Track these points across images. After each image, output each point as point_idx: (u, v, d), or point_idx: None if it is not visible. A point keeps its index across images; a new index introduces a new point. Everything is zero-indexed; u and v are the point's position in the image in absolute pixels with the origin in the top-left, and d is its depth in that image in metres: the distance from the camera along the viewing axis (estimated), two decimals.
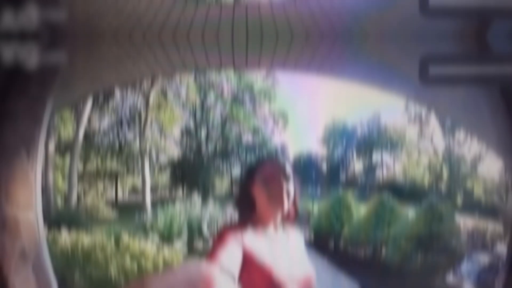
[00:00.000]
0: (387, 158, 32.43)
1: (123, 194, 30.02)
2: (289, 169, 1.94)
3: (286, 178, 1.87)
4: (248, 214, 1.87)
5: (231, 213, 12.47)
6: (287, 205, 1.85)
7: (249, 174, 1.94)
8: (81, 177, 21.05)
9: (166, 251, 7.31)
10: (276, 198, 1.81)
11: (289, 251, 1.83)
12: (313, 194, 26.81)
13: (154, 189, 28.03)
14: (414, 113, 28.20)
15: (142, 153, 21.42)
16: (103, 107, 24.70)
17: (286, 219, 1.96)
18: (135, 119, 23.46)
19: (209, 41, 5.52)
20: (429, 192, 21.02)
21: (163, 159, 26.02)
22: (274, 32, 5.40)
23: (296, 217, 2.02)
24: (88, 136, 22.66)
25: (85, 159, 21.80)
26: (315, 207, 18.12)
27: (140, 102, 22.53)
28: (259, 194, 1.84)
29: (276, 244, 1.79)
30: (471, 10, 3.70)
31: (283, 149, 31.54)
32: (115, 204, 22.41)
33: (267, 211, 1.84)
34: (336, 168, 32.52)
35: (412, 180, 29.65)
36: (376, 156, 32.52)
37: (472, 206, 23.72)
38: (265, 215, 1.85)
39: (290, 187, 1.88)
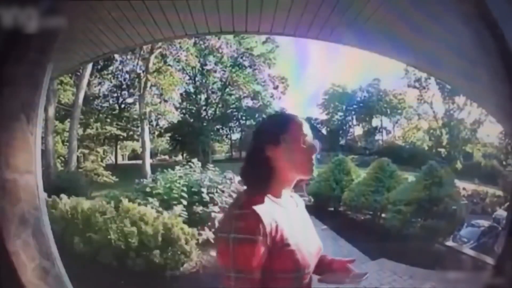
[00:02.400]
0: (386, 122, 32.47)
1: (123, 158, 30.14)
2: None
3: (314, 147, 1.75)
4: (267, 180, 1.68)
5: (231, 178, 12.45)
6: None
7: (271, 133, 1.70)
8: (80, 142, 21.04)
9: (166, 216, 7.33)
10: (308, 157, 1.72)
11: (303, 222, 1.78)
12: None
13: (153, 153, 28.16)
14: (414, 78, 28.11)
15: (141, 117, 21.35)
16: (102, 72, 24.61)
17: (297, 184, 1.83)
18: (135, 84, 23.36)
19: (209, 5, 5.42)
20: (428, 157, 21.02)
21: (163, 123, 25.97)
22: None
23: (307, 183, 1.91)
24: (88, 101, 22.61)
25: (85, 124, 21.72)
26: (315, 171, 18.17)
27: (139, 67, 22.38)
28: (288, 156, 1.67)
29: (291, 215, 1.69)
30: None
31: None
32: (115, 168, 22.44)
33: (290, 178, 1.74)
34: (336, 132, 32.58)
35: (412, 144, 29.74)
36: (376, 121, 32.55)
37: (471, 170, 23.83)
38: (285, 184, 1.74)
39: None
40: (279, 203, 1.66)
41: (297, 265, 1.54)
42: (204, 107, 28.13)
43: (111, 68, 24.66)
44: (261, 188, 1.65)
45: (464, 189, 18.72)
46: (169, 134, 28.55)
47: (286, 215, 1.63)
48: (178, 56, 23.03)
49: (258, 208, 1.49)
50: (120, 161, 28.09)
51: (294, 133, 1.69)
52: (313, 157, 1.73)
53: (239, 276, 1.46)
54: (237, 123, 31.34)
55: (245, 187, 1.74)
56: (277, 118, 2.00)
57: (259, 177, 1.67)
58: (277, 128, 1.71)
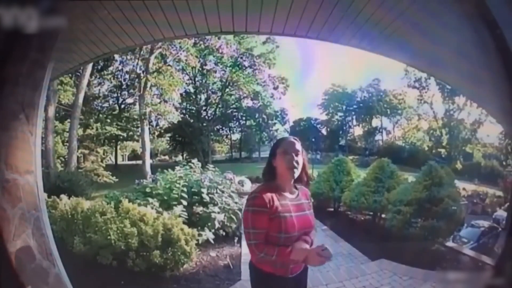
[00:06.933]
0: (386, 123, 32.50)
1: (123, 158, 30.16)
2: (299, 146, 2.94)
3: (296, 153, 2.91)
4: (273, 179, 2.94)
5: (231, 178, 12.41)
6: (297, 171, 2.92)
7: (273, 150, 2.99)
8: (80, 142, 21.04)
9: (166, 216, 7.32)
10: (290, 165, 2.86)
11: (298, 206, 2.92)
12: (313, 159, 26.87)
13: (153, 154, 28.17)
14: (414, 78, 28.12)
15: (141, 117, 21.35)
16: (102, 72, 24.61)
17: (299, 183, 3.07)
18: (135, 84, 23.37)
19: (209, 5, 5.42)
20: (428, 157, 21.01)
21: (163, 123, 25.94)
22: None
23: (308, 182, 3.12)
24: (88, 101, 22.63)
25: (85, 124, 21.72)
26: (315, 172, 18.14)
27: (139, 67, 22.36)
28: (279, 163, 2.89)
29: (288, 200, 2.89)
30: None
31: (283, 114, 31.55)
32: (115, 168, 22.46)
33: (284, 175, 2.91)
34: (336, 133, 32.61)
35: (412, 144, 29.76)
36: (376, 121, 32.57)
37: (471, 170, 23.85)
38: (283, 179, 2.93)
39: (300, 158, 2.93)
40: (281, 192, 2.88)
41: (280, 229, 2.72)
42: (204, 107, 28.18)
43: (111, 68, 24.69)
44: (270, 181, 2.94)
45: (464, 189, 18.76)
46: (169, 135, 28.65)
47: (284, 199, 2.86)
48: (178, 56, 22.98)
49: (263, 194, 2.75)
50: (120, 161, 28.16)
51: (283, 148, 2.92)
52: (295, 164, 2.89)
53: (254, 231, 2.73)
54: (237, 123, 31.43)
55: (262, 182, 3.03)
56: (278, 140, 3.10)
57: (269, 176, 2.97)
58: (274, 146, 3.03)
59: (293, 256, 2.71)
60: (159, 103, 22.87)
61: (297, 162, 2.89)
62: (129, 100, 25.93)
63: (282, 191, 2.89)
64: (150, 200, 8.40)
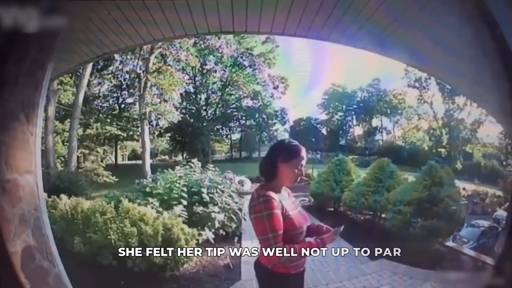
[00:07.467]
0: (386, 123, 32.45)
1: (123, 158, 30.13)
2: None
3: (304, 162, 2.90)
4: (273, 179, 2.89)
5: (231, 178, 12.41)
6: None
7: (279, 151, 2.89)
8: (80, 142, 21.02)
9: (166, 216, 7.31)
10: (296, 177, 2.89)
11: (293, 205, 2.98)
12: (313, 159, 26.85)
13: (153, 154, 28.14)
14: (414, 78, 28.06)
15: (141, 117, 21.33)
16: (102, 72, 24.57)
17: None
18: (135, 84, 23.33)
19: (209, 5, 5.41)
20: (428, 157, 20.98)
21: (163, 123, 25.88)
22: None
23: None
24: (88, 101, 22.60)
25: (85, 124, 21.69)
26: (315, 172, 18.11)
27: (139, 67, 22.32)
28: (289, 171, 2.85)
29: (286, 200, 2.90)
30: None
31: (283, 114, 31.50)
32: (115, 168, 22.44)
33: (287, 182, 2.93)
34: (336, 132, 32.55)
35: (412, 144, 29.72)
36: (376, 121, 32.53)
37: (471, 170, 23.83)
38: (284, 183, 2.93)
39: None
40: (279, 194, 2.86)
41: (294, 226, 2.77)
42: (204, 107, 28.13)
43: (111, 68, 24.58)
44: (271, 180, 2.89)
45: (464, 189, 18.73)
46: (169, 134, 28.54)
47: (284, 200, 2.85)
48: (178, 56, 22.91)
49: (272, 195, 2.72)
50: (120, 161, 28.09)
51: (297, 160, 2.85)
52: (299, 177, 2.91)
53: (274, 234, 2.63)
54: (237, 123, 31.34)
55: (260, 183, 2.99)
56: (294, 146, 2.91)
57: (268, 173, 2.90)
58: (288, 150, 2.87)
59: (327, 242, 2.91)
60: (159, 103, 22.80)
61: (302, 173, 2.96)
62: (129, 100, 25.87)
63: (279, 191, 2.91)
64: (150, 200, 8.40)
